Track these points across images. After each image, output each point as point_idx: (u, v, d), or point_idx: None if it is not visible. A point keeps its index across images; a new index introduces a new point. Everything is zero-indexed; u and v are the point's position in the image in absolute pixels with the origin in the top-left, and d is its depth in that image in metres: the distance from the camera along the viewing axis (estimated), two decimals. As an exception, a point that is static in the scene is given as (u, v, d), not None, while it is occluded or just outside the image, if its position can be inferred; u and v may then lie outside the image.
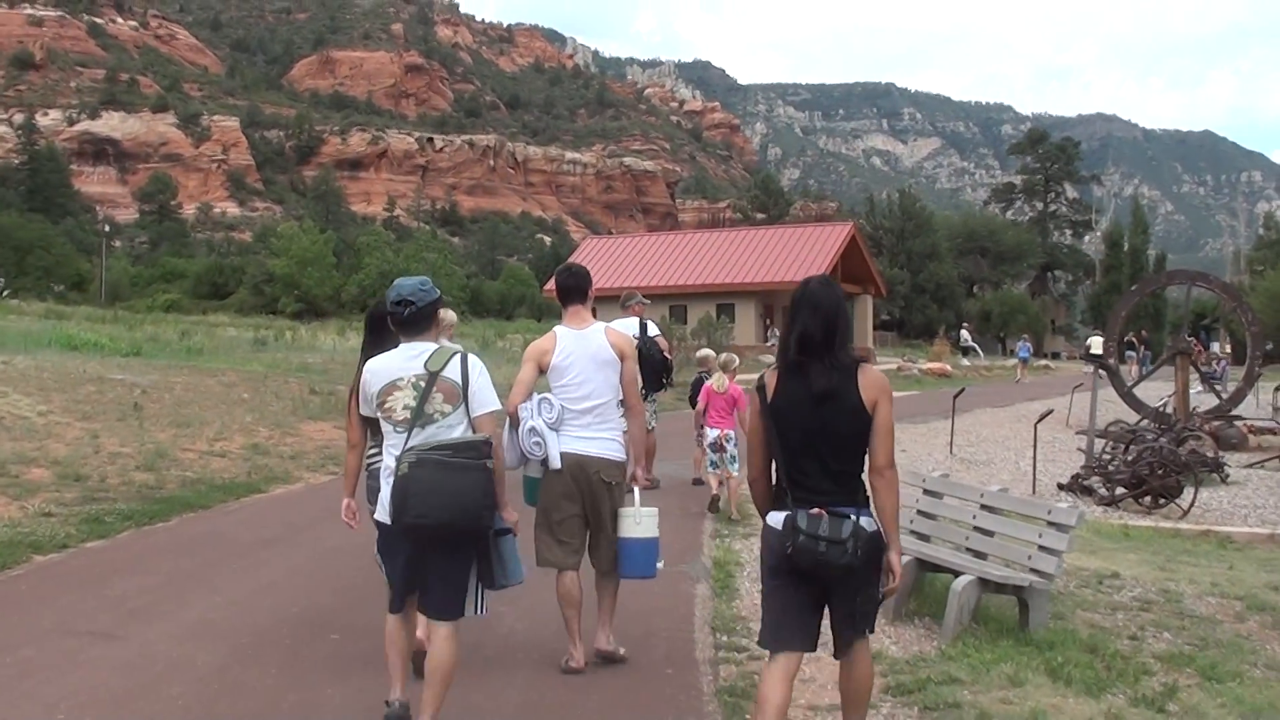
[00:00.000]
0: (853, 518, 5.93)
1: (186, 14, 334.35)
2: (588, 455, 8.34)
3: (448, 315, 8.34)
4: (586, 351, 8.43)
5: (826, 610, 6.22)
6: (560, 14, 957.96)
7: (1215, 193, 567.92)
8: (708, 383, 16.68)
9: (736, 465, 15.62)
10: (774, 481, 6.28)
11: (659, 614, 10.17)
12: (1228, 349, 68.86)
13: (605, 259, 76.48)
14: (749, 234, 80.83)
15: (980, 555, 10.50)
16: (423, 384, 6.78)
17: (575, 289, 8.69)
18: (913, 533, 11.14)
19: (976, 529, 10.70)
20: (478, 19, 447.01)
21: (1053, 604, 10.30)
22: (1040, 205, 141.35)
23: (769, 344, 66.22)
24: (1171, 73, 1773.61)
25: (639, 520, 8.48)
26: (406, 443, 6.71)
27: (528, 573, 7.34)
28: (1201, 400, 33.73)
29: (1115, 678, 8.65)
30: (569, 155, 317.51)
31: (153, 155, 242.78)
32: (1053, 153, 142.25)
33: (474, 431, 6.81)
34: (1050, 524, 9.92)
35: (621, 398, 8.63)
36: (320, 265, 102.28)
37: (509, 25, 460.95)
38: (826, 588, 6.05)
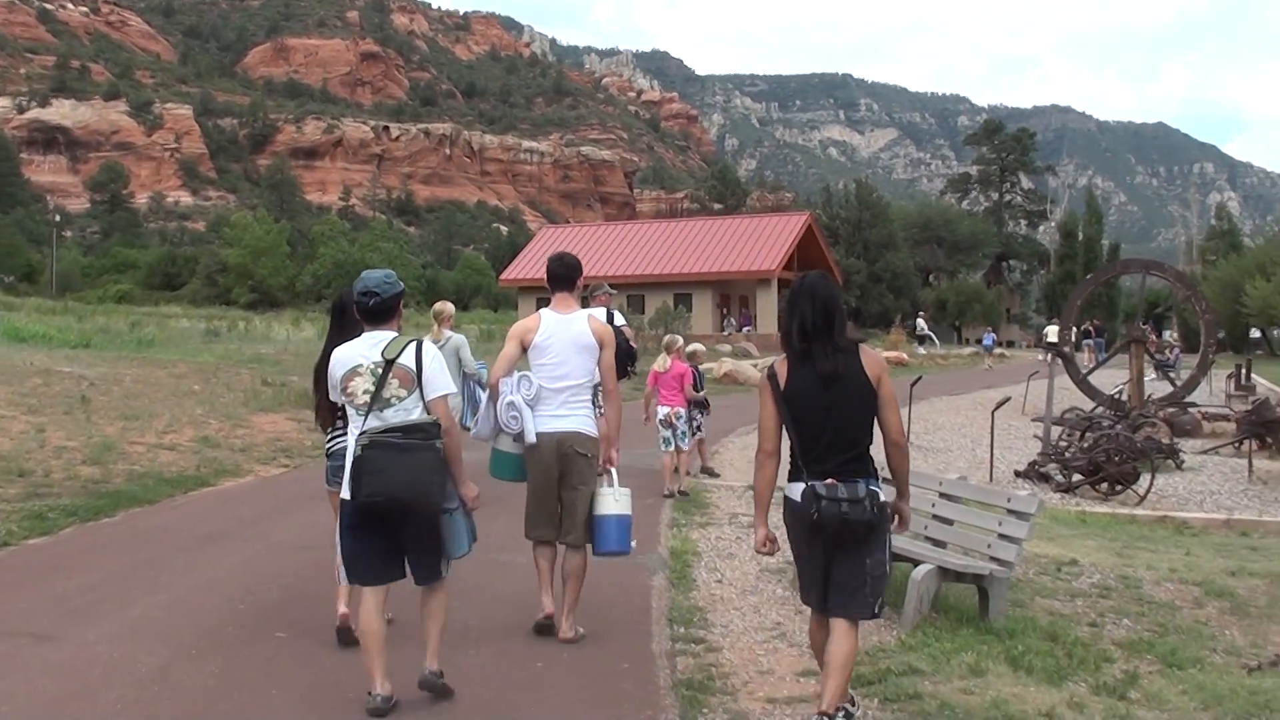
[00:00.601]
0: (865, 484, 6.74)
1: (139, 0, 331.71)
2: (563, 431, 8.85)
3: (447, 307, 10.11)
4: (568, 335, 8.93)
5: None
6: (517, 2, 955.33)
7: (1168, 184, 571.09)
8: (653, 366, 17.63)
9: (687, 440, 16.89)
10: (778, 461, 6.98)
11: (615, 606, 10.04)
12: (1176, 337, 69.34)
13: (562, 248, 75.68)
14: (706, 224, 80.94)
15: (939, 544, 10.43)
16: (380, 370, 7.32)
17: (564, 277, 9.28)
18: (871, 521, 11.04)
19: (935, 517, 10.62)
20: (434, 6, 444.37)
21: (1012, 592, 10.22)
22: (996, 195, 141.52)
23: (726, 333, 66.29)
24: (1126, 65, 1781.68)
25: (617, 498, 8.99)
26: (364, 424, 7.23)
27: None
28: (1155, 388, 33.82)
29: (1076, 665, 8.62)
30: (526, 144, 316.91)
31: (104, 144, 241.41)
32: (1008, 143, 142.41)
33: (428, 414, 7.31)
34: (1010, 512, 9.85)
35: (596, 382, 9.15)
36: (274, 255, 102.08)
37: (465, 13, 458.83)
38: (838, 552, 6.78)
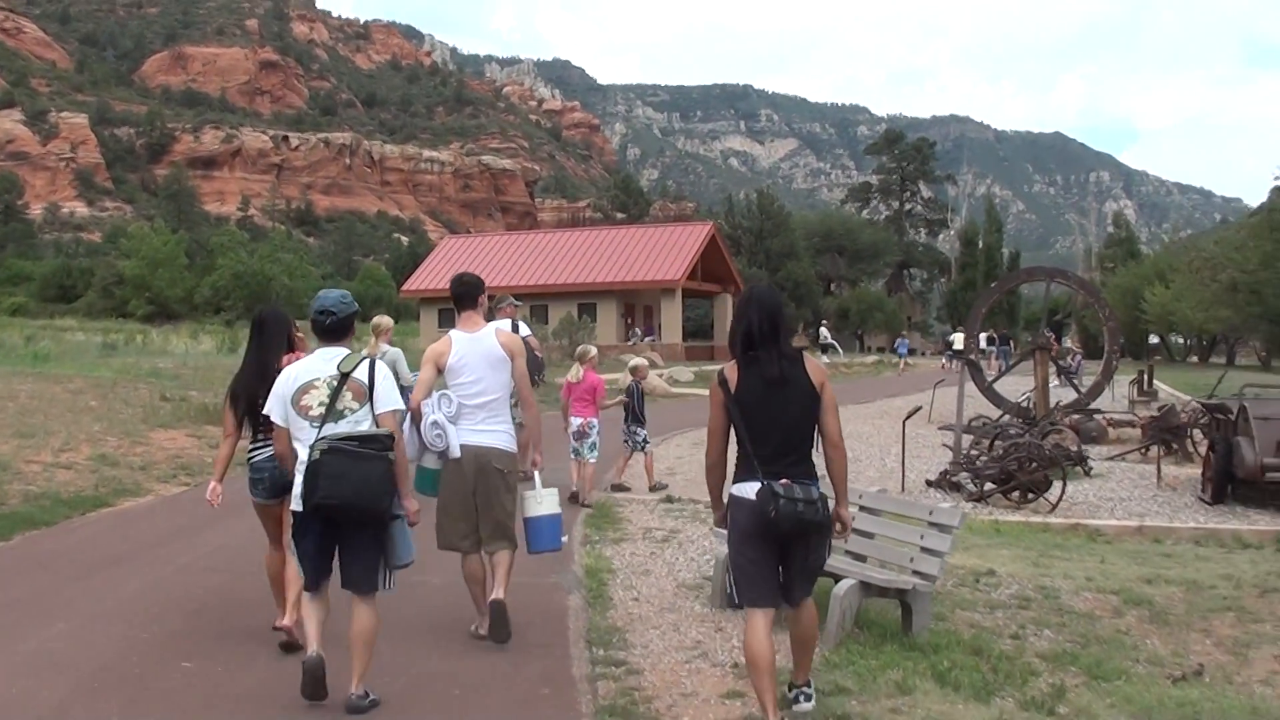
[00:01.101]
0: (815, 486, 7.25)
1: (34, 7, 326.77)
2: (483, 446, 9.29)
3: (384, 320, 10.68)
4: (479, 352, 9.35)
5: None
6: (417, 10, 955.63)
7: (1065, 192, 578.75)
8: (566, 376, 17.86)
9: (595, 454, 17.25)
10: (726, 464, 7.50)
11: (532, 628, 9.84)
12: (1077, 343, 69.95)
13: (464, 259, 76.01)
14: (609, 233, 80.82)
15: (859, 558, 10.30)
16: (335, 383, 7.85)
17: (467, 295, 9.65)
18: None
19: (855, 531, 10.47)
20: (334, 15, 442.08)
21: (932, 605, 10.10)
22: (896, 204, 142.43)
23: (630, 343, 66.13)
24: (1023, 76, 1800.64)
25: (540, 500, 9.60)
26: (319, 434, 7.66)
27: (418, 555, 8.12)
28: (1059, 394, 33.98)
29: (1003, 680, 8.59)
30: (426, 154, 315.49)
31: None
32: (908, 153, 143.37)
33: (378, 426, 7.81)
34: (932, 524, 9.75)
35: (513, 393, 9.66)
36: (172, 266, 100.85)
37: (366, 21, 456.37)
38: (788, 549, 7.24)
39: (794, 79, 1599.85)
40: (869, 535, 10.41)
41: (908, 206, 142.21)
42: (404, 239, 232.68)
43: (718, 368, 8.24)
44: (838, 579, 9.76)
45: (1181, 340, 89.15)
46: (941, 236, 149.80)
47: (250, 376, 9.38)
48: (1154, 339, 75.59)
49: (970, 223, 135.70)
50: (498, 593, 9.31)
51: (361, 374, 7.92)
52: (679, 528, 14.74)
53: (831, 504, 7.44)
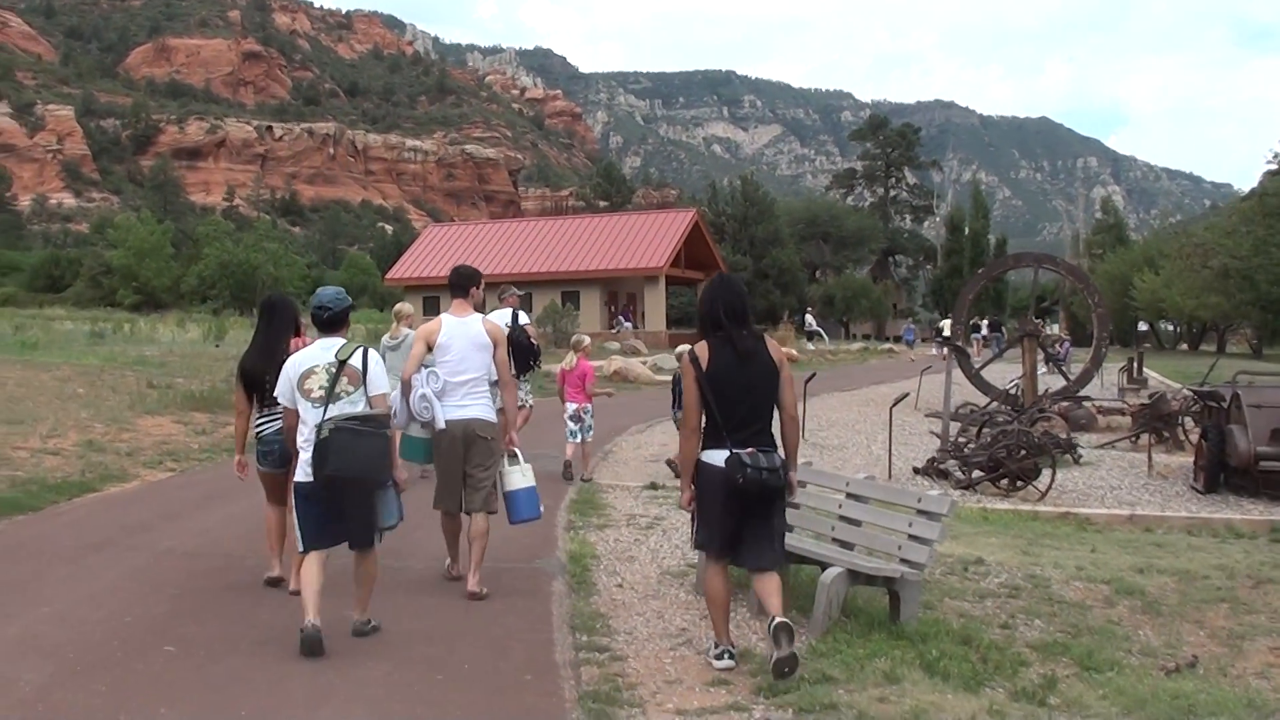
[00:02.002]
0: (776, 455, 8.17)
1: (19, 0, 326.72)
2: (468, 418, 10.36)
3: (405, 307, 11.93)
4: (465, 335, 10.47)
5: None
6: (399, 0, 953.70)
7: (1052, 178, 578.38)
8: (561, 364, 19.00)
9: (590, 434, 18.32)
10: (700, 435, 8.28)
11: (515, 614, 9.79)
12: (1065, 330, 69.98)
13: (448, 247, 75.95)
14: (593, 222, 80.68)
15: (847, 545, 10.20)
16: (333, 370, 8.88)
17: (458, 285, 10.84)
18: (775, 523, 10.84)
19: (842, 518, 10.39)
20: (316, 5, 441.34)
21: (921, 593, 9.98)
22: (881, 191, 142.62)
23: (614, 330, 66.05)
24: (1009, 60, 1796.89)
25: (523, 473, 10.57)
26: (324, 415, 8.72)
27: (398, 523, 9.22)
28: (1047, 382, 33.90)
29: (992, 670, 8.46)
30: (410, 143, 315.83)
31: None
32: (893, 139, 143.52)
33: (371, 407, 8.90)
34: (920, 512, 9.62)
35: (494, 376, 10.71)
36: (158, 256, 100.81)
37: (347, 11, 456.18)
38: (750, 511, 8.17)
39: (777, 64, 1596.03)
40: (856, 523, 10.29)
41: (893, 193, 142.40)
42: (388, 228, 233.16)
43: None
44: (825, 567, 9.68)
45: (1171, 327, 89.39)
46: (927, 223, 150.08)
47: (257, 356, 10.54)
48: (1143, 326, 75.58)
49: (956, 209, 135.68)
50: (472, 584, 10.33)
51: (356, 361, 8.97)
52: (663, 514, 14.69)
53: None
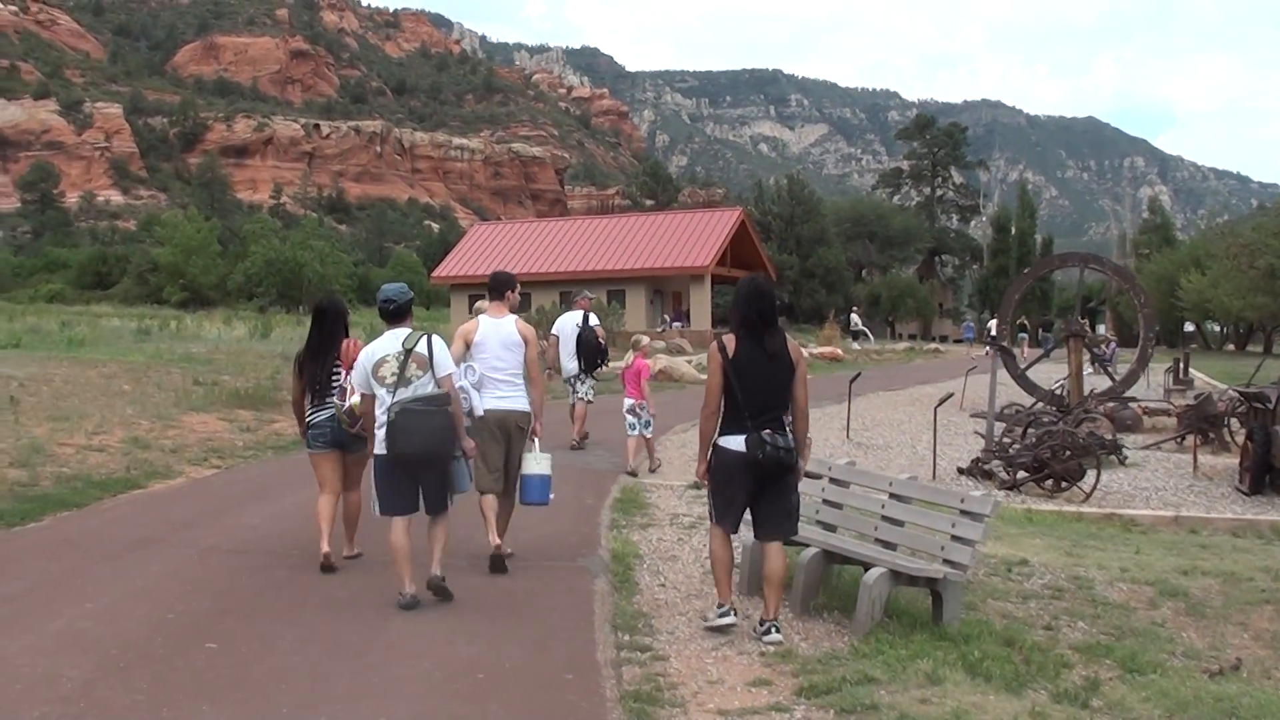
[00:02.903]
0: (790, 438, 9.12)
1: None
2: (504, 409, 11.44)
3: (483, 304, 12.06)
4: (499, 335, 11.55)
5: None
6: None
7: (1099, 178, 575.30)
8: (622, 362, 20.10)
9: (650, 428, 18.83)
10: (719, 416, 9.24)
11: (557, 612, 9.80)
12: (1111, 331, 69.61)
13: (494, 246, 76.01)
14: (639, 220, 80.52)
15: (890, 546, 10.16)
16: (402, 358, 9.92)
17: (495, 288, 11.90)
18: (819, 523, 10.86)
19: (885, 518, 10.36)
20: (364, 4, 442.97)
21: (963, 594, 9.95)
22: (927, 190, 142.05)
23: (660, 329, 65.98)
24: (1056, 60, 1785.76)
25: (538, 461, 11.45)
26: (394, 398, 9.78)
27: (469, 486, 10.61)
28: (1093, 382, 33.72)
29: (1035, 672, 8.41)
30: (456, 141, 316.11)
31: (34, 143, 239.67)
32: (939, 138, 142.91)
33: (439, 388, 9.92)
34: (964, 513, 9.58)
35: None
36: (205, 254, 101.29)
37: (395, 10, 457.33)
38: (763, 488, 9.15)
39: (824, 63, 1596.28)
40: (899, 523, 10.26)
41: (939, 192, 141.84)
42: (435, 226, 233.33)
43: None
44: (867, 567, 9.66)
45: (1218, 328, 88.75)
46: (973, 223, 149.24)
47: (310, 352, 11.61)
48: (1189, 326, 75.00)
49: (1002, 208, 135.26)
50: (500, 544, 11.32)
51: (422, 348, 9.98)
52: (706, 514, 14.66)
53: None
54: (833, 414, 28.27)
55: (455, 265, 76.02)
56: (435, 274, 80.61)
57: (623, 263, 70.70)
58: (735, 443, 9.08)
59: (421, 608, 9.75)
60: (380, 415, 9.93)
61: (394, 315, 10.28)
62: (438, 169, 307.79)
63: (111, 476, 16.48)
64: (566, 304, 62.33)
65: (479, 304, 12.78)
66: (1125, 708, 7.74)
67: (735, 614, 9.38)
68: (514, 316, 11.85)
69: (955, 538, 9.52)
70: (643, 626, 9.50)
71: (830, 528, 10.83)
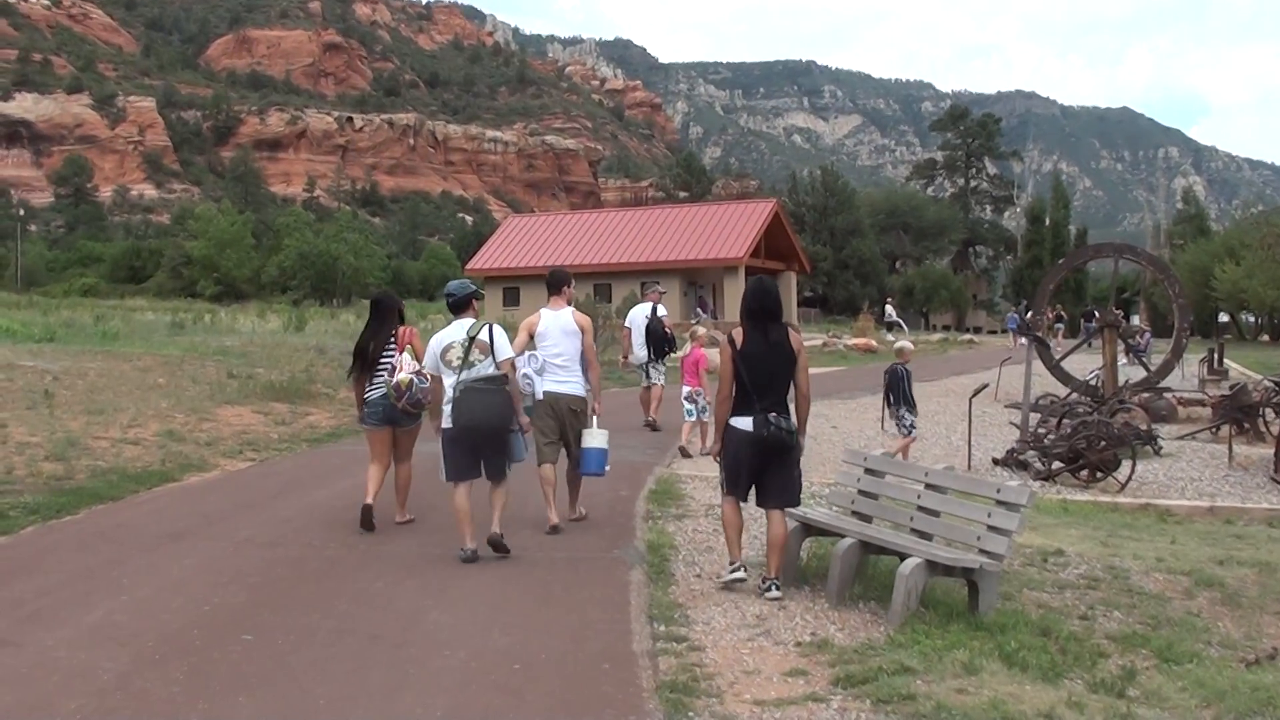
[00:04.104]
0: (791, 419, 10.19)
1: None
2: (561, 393, 12.83)
3: (569, 291, 13.42)
4: (558, 325, 12.94)
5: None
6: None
7: (1133, 168, 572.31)
8: (681, 351, 22.55)
9: (708, 414, 19.13)
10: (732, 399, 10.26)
11: (593, 603, 9.80)
12: (1145, 321, 69.36)
13: (528, 238, 76.06)
14: (672, 212, 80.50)
15: (925, 536, 10.18)
16: (466, 344, 11.39)
17: (554, 284, 13.31)
18: (854, 513, 10.93)
19: (921, 509, 10.36)
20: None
21: (1000, 584, 9.94)
22: (961, 181, 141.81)
23: (693, 321, 65.94)
24: (1090, 50, 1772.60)
25: (595, 436, 12.89)
26: (458, 379, 11.27)
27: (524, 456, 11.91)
28: (1128, 373, 33.56)
29: (1071, 662, 8.44)
30: (490, 134, 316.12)
31: (68, 137, 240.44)
32: (973, 129, 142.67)
33: (498, 370, 11.39)
34: (1000, 503, 9.56)
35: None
36: (239, 247, 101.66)
37: (428, 3, 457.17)
38: (767, 463, 10.21)
39: (857, 54, 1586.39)
40: (935, 514, 10.27)
41: (973, 183, 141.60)
42: (468, 219, 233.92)
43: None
44: (903, 557, 9.67)
45: (1252, 318, 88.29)
46: (1007, 214, 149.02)
47: (366, 340, 13.05)
48: (1224, 317, 74.81)
49: (1037, 199, 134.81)
50: (571, 512, 13.16)
51: (484, 336, 11.43)
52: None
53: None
54: (867, 405, 28.22)
55: (489, 258, 76.10)
56: (469, 266, 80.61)
57: (657, 255, 70.68)
58: (744, 423, 10.14)
59: (460, 599, 9.78)
60: (447, 393, 11.39)
61: (455, 307, 11.83)
62: (471, 161, 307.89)
63: (146, 470, 16.54)
64: (600, 296, 62.67)
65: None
66: (1161, 697, 7.74)
67: (744, 570, 10.50)
68: (571, 308, 13.23)
69: (991, 528, 9.51)
70: (678, 617, 9.47)
71: (866, 518, 10.87)
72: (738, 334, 10.30)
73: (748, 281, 11.01)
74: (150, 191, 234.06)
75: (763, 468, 10.24)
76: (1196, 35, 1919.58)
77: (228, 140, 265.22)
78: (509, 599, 9.87)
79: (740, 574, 10.40)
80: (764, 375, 10.14)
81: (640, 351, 22.64)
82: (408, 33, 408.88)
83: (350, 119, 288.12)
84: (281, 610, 9.43)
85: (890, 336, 68.11)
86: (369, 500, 12.62)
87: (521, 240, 75.94)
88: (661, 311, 22.63)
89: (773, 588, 10.15)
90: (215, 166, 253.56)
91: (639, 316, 22.95)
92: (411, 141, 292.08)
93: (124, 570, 10.84)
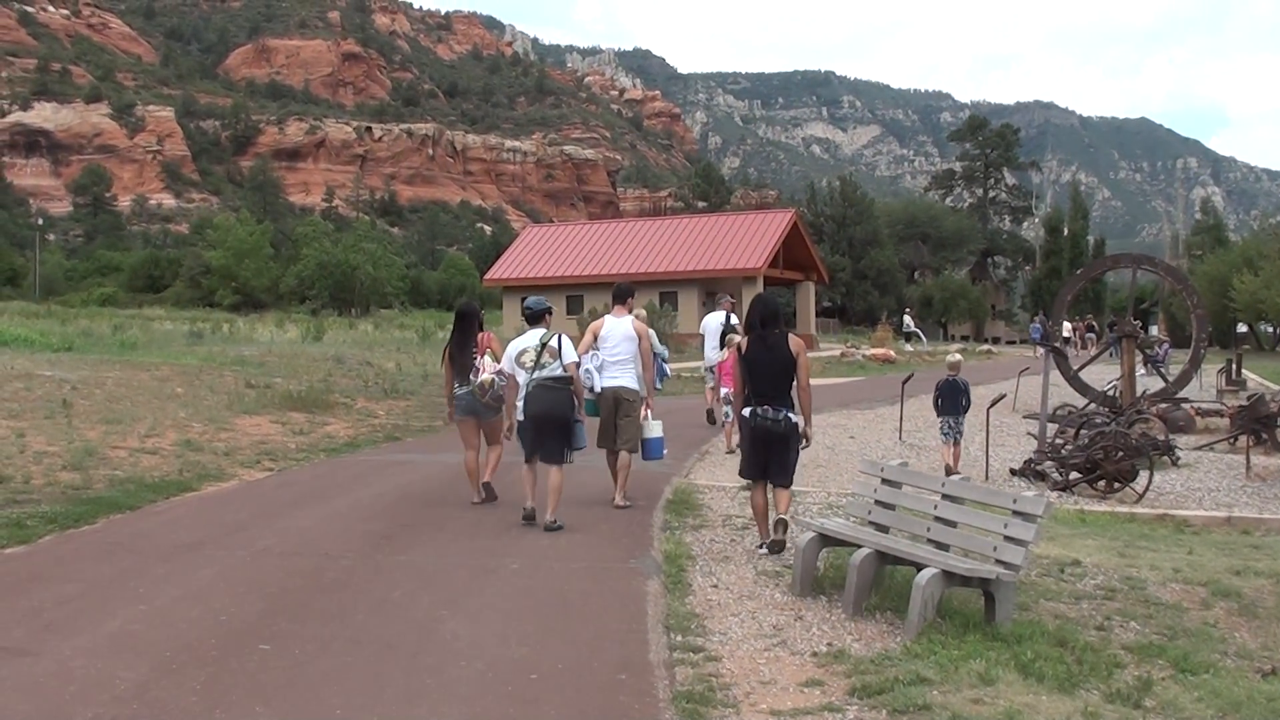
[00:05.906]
0: (784, 412, 11.89)
1: (119, 2, 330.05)
2: (618, 386, 14.87)
3: (639, 312, 16.50)
4: (620, 330, 15.06)
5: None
6: (499, 1, 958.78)
7: (1151, 179, 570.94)
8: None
9: None
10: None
11: (610, 613, 9.81)
12: (1164, 332, 69.20)
13: (547, 248, 76.01)
14: (691, 222, 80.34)
15: (942, 546, 10.16)
16: (538, 350, 13.62)
17: (617, 296, 15.56)
18: (871, 523, 10.91)
19: (938, 519, 10.35)
20: (415, 6, 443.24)
21: (1016, 594, 9.93)
22: (980, 191, 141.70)
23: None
24: (1109, 61, 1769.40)
25: (653, 428, 15.35)
26: (530, 377, 13.55)
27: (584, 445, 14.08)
28: (1146, 383, 33.53)
29: (1087, 672, 8.41)
30: (508, 143, 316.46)
31: (86, 147, 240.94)
32: (992, 139, 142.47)
33: (564, 371, 13.63)
34: (1016, 513, 9.56)
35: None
36: (257, 257, 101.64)
37: (447, 12, 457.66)
38: (770, 449, 11.96)
39: (876, 65, 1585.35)
40: (951, 524, 10.25)
41: (991, 194, 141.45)
42: (487, 229, 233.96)
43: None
44: (920, 568, 9.64)
45: (1271, 329, 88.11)
46: (1026, 224, 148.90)
47: (455, 346, 15.32)
48: (1242, 327, 74.60)
49: (1055, 210, 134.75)
50: (618, 499, 14.99)
51: (554, 343, 13.66)
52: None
53: (801, 425, 12.12)
54: (885, 415, 28.24)
55: (508, 268, 76.03)
56: (487, 276, 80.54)
57: (675, 264, 70.59)
58: (748, 413, 11.99)
59: (477, 608, 9.80)
60: (520, 390, 13.71)
61: (531, 319, 14.06)
62: (490, 171, 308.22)
63: (164, 479, 16.60)
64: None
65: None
66: (1178, 708, 7.73)
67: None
68: (631, 316, 15.30)
69: (1008, 538, 9.49)
70: (695, 627, 9.48)
71: (883, 528, 10.84)
72: (744, 342, 12.26)
73: (755, 297, 12.82)
74: (169, 201, 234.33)
75: (768, 453, 12.01)
76: (1216, 46, 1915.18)
77: (246, 150, 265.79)
78: (525, 609, 9.86)
79: (767, 551, 12.20)
80: (763, 375, 11.95)
81: (712, 355, 24.64)
82: (427, 42, 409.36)
83: (369, 129, 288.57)
84: (298, 620, 9.45)
85: (909, 347, 68.24)
86: (476, 499, 15.25)
87: (540, 250, 75.87)
88: (734, 320, 24.54)
89: (764, 549, 12.26)
90: (234, 176, 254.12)
91: (713, 324, 24.91)
92: (430, 151, 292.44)
93: (141, 580, 10.86)
